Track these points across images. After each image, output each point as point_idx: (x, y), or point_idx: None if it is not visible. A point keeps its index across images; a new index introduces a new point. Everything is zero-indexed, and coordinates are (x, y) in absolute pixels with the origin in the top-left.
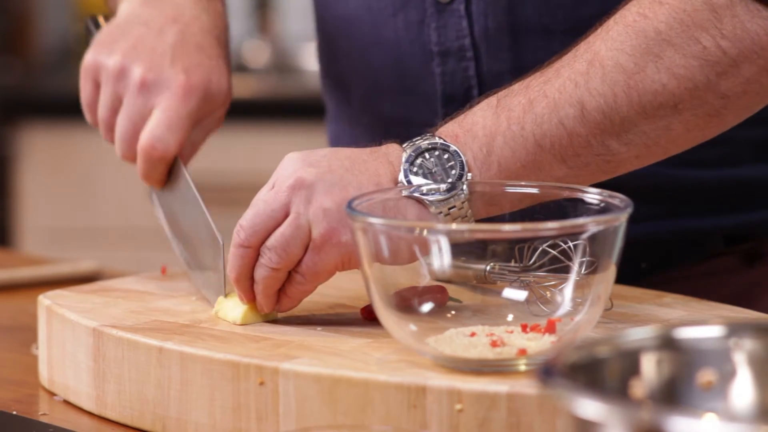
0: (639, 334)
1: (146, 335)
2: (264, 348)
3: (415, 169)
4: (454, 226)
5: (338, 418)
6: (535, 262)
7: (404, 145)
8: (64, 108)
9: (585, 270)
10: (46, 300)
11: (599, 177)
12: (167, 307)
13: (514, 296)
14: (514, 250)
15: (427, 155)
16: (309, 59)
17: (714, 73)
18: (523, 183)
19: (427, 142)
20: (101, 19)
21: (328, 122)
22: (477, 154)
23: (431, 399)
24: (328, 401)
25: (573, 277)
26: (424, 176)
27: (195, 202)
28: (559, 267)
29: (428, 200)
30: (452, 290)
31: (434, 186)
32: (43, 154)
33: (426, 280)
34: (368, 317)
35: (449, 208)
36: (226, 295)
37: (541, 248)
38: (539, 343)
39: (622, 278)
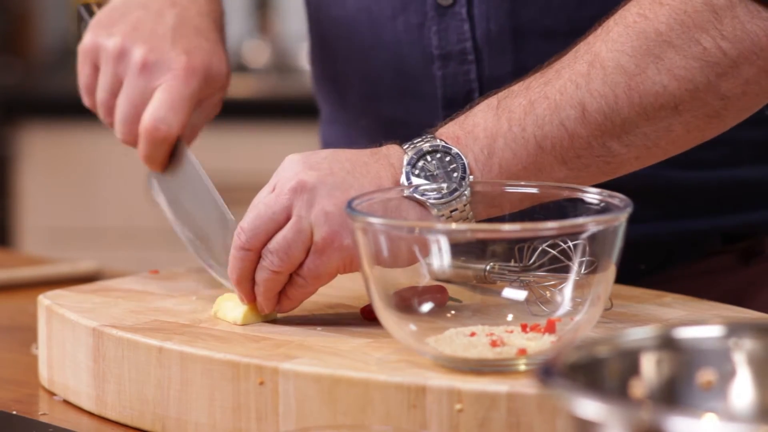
0: (639, 334)
1: (146, 335)
2: (264, 348)
3: (416, 172)
4: (454, 226)
5: (338, 418)
6: (535, 262)
7: (405, 147)
8: (64, 108)
9: (585, 270)
10: (46, 300)
11: (600, 178)
12: (167, 307)
13: (514, 296)
14: (514, 250)
15: (428, 158)
16: None
17: (714, 74)
18: (522, 183)
19: (428, 144)
20: (94, 7)
21: (322, 125)
22: (478, 156)
23: (431, 399)
24: (328, 401)
25: (573, 277)
26: (426, 179)
27: (201, 183)
28: (559, 267)
29: (430, 202)
30: (452, 290)
31: (435, 186)
32: (43, 154)
33: (426, 280)
34: (368, 317)
35: (451, 211)
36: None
37: (541, 248)
38: (539, 343)
39: (620, 279)
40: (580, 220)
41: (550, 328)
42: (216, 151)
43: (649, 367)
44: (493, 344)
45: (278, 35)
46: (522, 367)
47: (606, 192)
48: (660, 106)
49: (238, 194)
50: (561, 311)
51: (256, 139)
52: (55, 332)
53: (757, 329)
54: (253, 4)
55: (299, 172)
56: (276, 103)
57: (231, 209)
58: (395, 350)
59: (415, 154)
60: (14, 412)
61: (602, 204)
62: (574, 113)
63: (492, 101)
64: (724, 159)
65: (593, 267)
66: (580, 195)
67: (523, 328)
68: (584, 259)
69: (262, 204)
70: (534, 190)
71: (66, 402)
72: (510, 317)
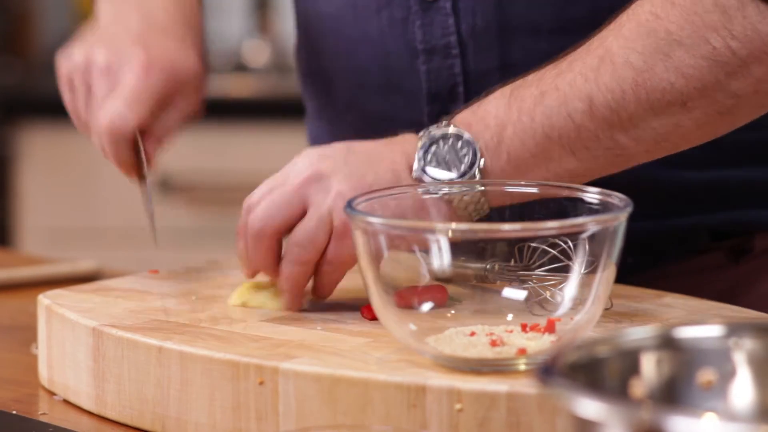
0: (639, 333)
1: (146, 335)
2: (264, 347)
3: (429, 158)
4: (453, 225)
5: (338, 418)
6: (535, 262)
7: (420, 134)
8: (64, 108)
9: (585, 269)
10: (45, 300)
11: (611, 169)
12: (167, 307)
13: (514, 296)
14: (514, 250)
15: (441, 143)
16: None
17: (723, 73)
18: (523, 183)
19: (441, 131)
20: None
21: (308, 121)
22: (488, 143)
23: (431, 398)
24: (328, 401)
25: (573, 276)
26: (438, 164)
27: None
28: (559, 266)
29: (443, 192)
30: (452, 290)
31: (447, 177)
32: (43, 154)
33: (426, 280)
34: (368, 317)
35: (463, 195)
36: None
37: (541, 248)
38: (539, 343)
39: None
40: (580, 220)
41: (550, 328)
42: (216, 151)
43: (649, 366)
44: (493, 344)
45: (278, 35)
46: (522, 367)
47: (606, 191)
48: (668, 102)
49: (238, 194)
50: (561, 311)
51: (255, 138)
52: (55, 332)
53: (758, 329)
54: (253, 4)
55: (314, 163)
56: (276, 103)
57: (230, 209)
58: (395, 350)
59: (428, 140)
60: (14, 412)
61: (602, 204)
62: (581, 106)
63: (506, 90)
64: (709, 159)
65: (593, 267)
66: (580, 195)
67: (523, 327)
68: (584, 258)
69: (276, 193)
70: (534, 190)
71: (66, 402)
72: (510, 317)
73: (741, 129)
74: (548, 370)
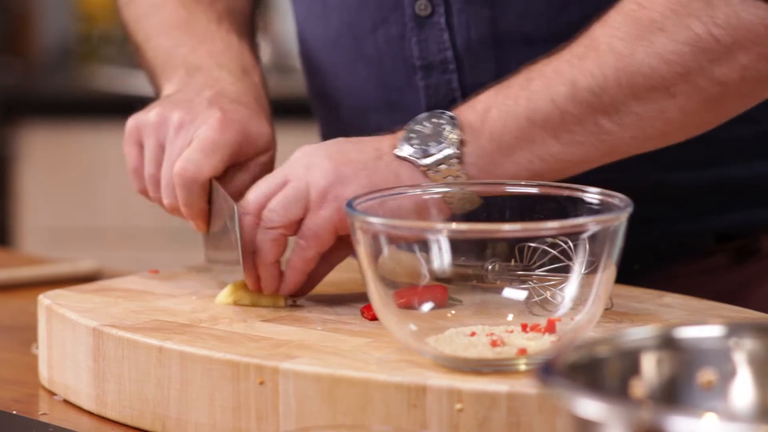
0: (639, 333)
1: (146, 335)
2: (264, 347)
3: (413, 136)
4: (453, 225)
5: (338, 418)
6: (535, 262)
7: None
8: (64, 108)
9: (585, 270)
10: (46, 300)
11: (596, 156)
12: (167, 307)
13: (514, 296)
14: (514, 250)
15: (425, 123)
16: None
17: (706, 59)
18: (523, 183)
19: (428, 113)
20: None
21: (319, 139)
22: (472, 123)
23: (431, 398)
24: (328, 401)
25: (573, 276)
26: (420, 140)
27: (228, 203)
28: (559, 266)
29: (414, 157)
30: (452, 290)
31: (424, 145)
32: (43, 154)
33: (426, 280)
34: (368, 317)
35: (438, 164)
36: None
37: (541, 248)
38: (539, 343)
39: (616, 280)
40: (580, 220)
41: (551, 328)
42: None
43: (650, 366)
44: (493, 344)
45: (278, 35)
46: (522, 367)
47: (606, 191)
48: (650, 87)
49: None
50: (561, 311)
51: None
52: (55, 332)
53: (758, 329)
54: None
55: (306, 153)
56: (276, 103)
57: None
58: (395, 350)
59: (414, 122)
60: (14, 412)
61: (602, 204)
62: (564, 90)
63: (501, 82)
64: (708, 159)
65: (593, 267)
66: (580, 195)
67: (523, 327)
68: (584, 258)
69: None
70: (534, 190)
71: (66, 402)
72: (510, 317)
73: (739, 123)
74: (548, 370)
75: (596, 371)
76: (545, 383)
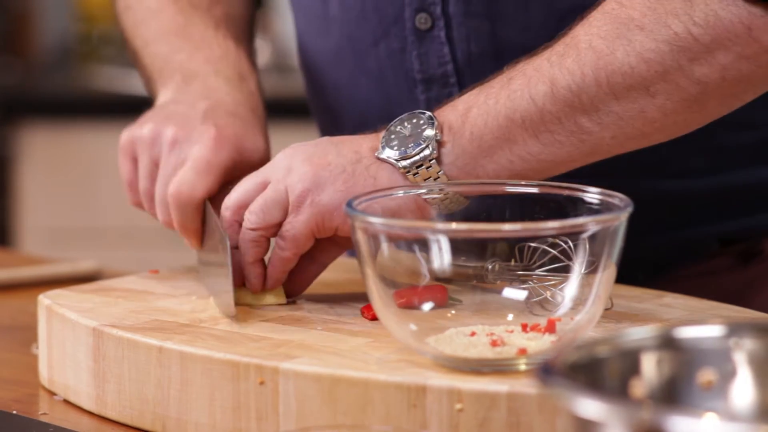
0: (639, 333)
1: (146, 335)
2: (264, 348)
3: (392, 137)
4: (453, 225)
5: (338, 418)
6: (535, 262)
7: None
8: (64, 108)
9: (585, 269)
10: (46, 300)
11: (578, 156)
12: (167, 307)
13: (514, 296)
14: (514, 250)
15: (405, 123)
16: None
17: (686, 58)
18: (523, 182)
19: (408, 114)
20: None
21: None
22: (453, 123)
23: (431, 398)
24: (328, 401)
25: (573, 276)
26: (399, 141)
27: (219, 231)
28: (559, 266)
29: (394, 159)
30: (452, 290)
31: (403, 146)
32: (43, 154)
33: (426, 280)
34: (368, 317)
35: (417, 166)
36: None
37: (541, 248)
38: (539, 343)
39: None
40: (580, 220)
41: (551, 328)
42: None
43: (650, 366)
44: (494, 344)
45: (278, 35)
46: (522, 367)
47: (606, 191)
48: (629, 86)
49: None
50: (561, 311)
51: None
52: (55, 332)
53: (758, 329)
54: None
55: (287, 154)
56: (276, 103)
57: None
58: (395, 350)
59: (394, 122)
60: (14, 412)
61: (602, 203)
62: (544, 89)
63: (484, 82)
64: (711, 166)
65: (593, 267)
66: (580, 195)
67: (524, 327)
68: (585, 258)
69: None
70: (534, 190)
71: (66, 402)
72: (510, 317)
73: (738, 132)
74: (548, 370)
75: (596, 371)
76: (545, 383)
